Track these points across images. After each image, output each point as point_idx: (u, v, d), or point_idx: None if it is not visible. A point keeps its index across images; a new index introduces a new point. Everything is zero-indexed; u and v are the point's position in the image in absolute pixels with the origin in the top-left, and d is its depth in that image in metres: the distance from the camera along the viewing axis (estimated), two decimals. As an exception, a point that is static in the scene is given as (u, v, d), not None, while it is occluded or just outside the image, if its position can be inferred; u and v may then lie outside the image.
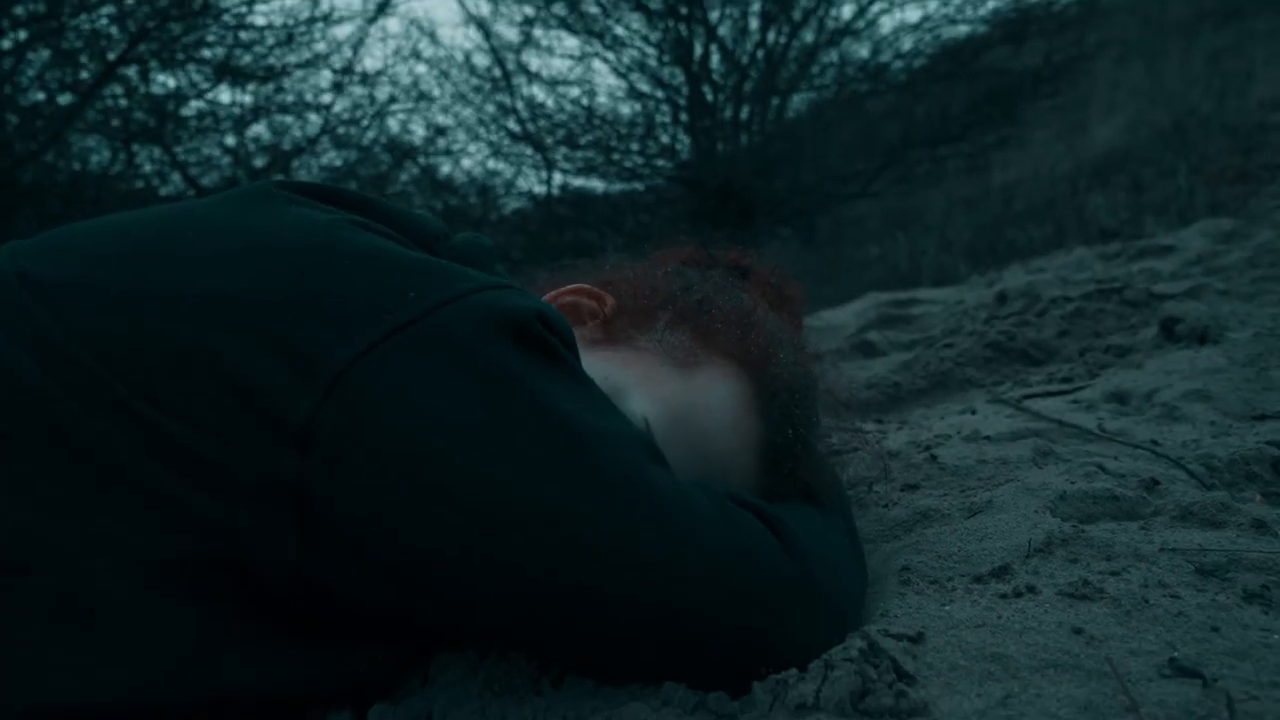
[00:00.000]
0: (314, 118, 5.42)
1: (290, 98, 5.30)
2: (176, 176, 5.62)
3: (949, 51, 7.04)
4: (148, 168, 5.48)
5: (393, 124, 5.55)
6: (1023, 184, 7.24)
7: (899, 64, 7.38)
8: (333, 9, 3.90)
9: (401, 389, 0.52)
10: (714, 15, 7.17)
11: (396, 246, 0.59)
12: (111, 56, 3.18)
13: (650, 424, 0.65)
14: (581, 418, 0.55)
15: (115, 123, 4.55)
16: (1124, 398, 1.09)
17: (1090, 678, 0.51)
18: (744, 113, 7.23)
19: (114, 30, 3.10)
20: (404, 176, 6.22)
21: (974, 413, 1.14)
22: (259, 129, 5.71)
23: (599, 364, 0.67)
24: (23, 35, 3.54)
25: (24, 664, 0.50)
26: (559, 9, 6.71)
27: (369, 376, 0.52)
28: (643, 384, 0.68)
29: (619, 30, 7.13)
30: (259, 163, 5.57)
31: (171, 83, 4.82)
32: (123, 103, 4.48)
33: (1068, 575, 0.62)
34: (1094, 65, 9.87)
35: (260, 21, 4.58)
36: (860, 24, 7.63)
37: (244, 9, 3.37)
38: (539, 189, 6.73)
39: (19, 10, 3.24)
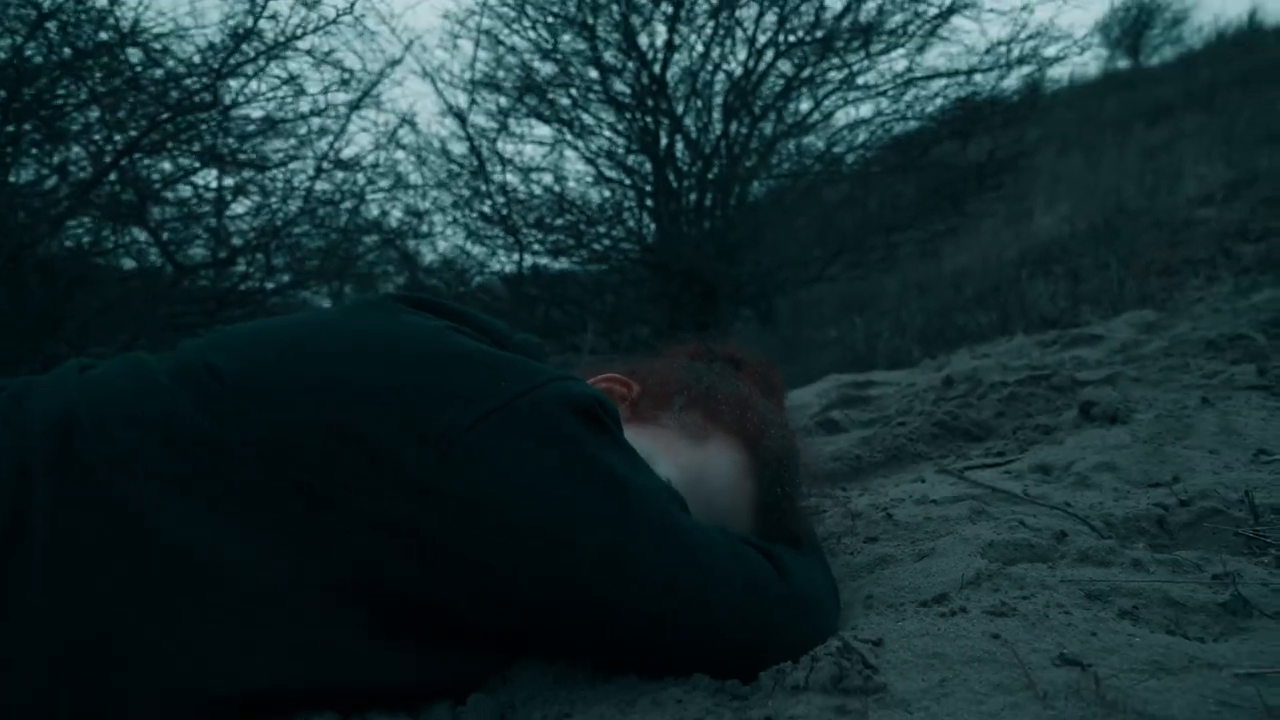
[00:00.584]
0: (293, 201, 5.62)
1: (271, 180, 5.50)
2: (154, 253, 5.78)
3: (899, 144, 7.46)
4: (128, 244, 5.64)
5: (372, 207, 5.75)
6: (971, 271, 7.62)
7: (852, 156, 7.78)
8: (318, 103, 4.10)
9: (496, 456, 0.71)
10: (679, 108, 7.53)
11: (485, 346, 0.79)
12: (115, 147, 3.38)
13: (672, 483, 0.85)
14: (630, 476, 0.74)
15: (100, 203, 4.72)
16: (1047, 469, 1.31)
17: (1003, 668, 0.71)
18: (707, 199, 7.55)
19: (118, 118, 3.31)
20: (374, 254, 6.43)
21: (923, 481, 1.35)
22: (238, 208, 5.90)
23: (631, 437, 0.87)
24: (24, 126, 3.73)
25: (225, 657, 0.68)
26: (531, 100, 7.03)
27: (473, 446, 0.71)
28: (665, 453, 0.88)
29: (588, 119, 7.46)
30: (237, 241, 5.75)
31: (163, 165, 5.01)
32: (113, 186, 4.65)
33: (990, 600, 0.82)
34: (1036, 159, 10.42)
35: (255, 113, 4.79)
36: (816, 116, 8.04)
37: (240, 100, 3.58)
38: (510, 269, 6.96)
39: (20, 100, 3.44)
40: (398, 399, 0.72)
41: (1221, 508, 1.04)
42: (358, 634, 0.71)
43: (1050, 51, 7.15)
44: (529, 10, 6.86)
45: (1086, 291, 4.04)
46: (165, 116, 3.13)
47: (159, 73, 3.30)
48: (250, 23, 3.01)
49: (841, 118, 7.75)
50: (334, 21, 3.03)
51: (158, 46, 3.86)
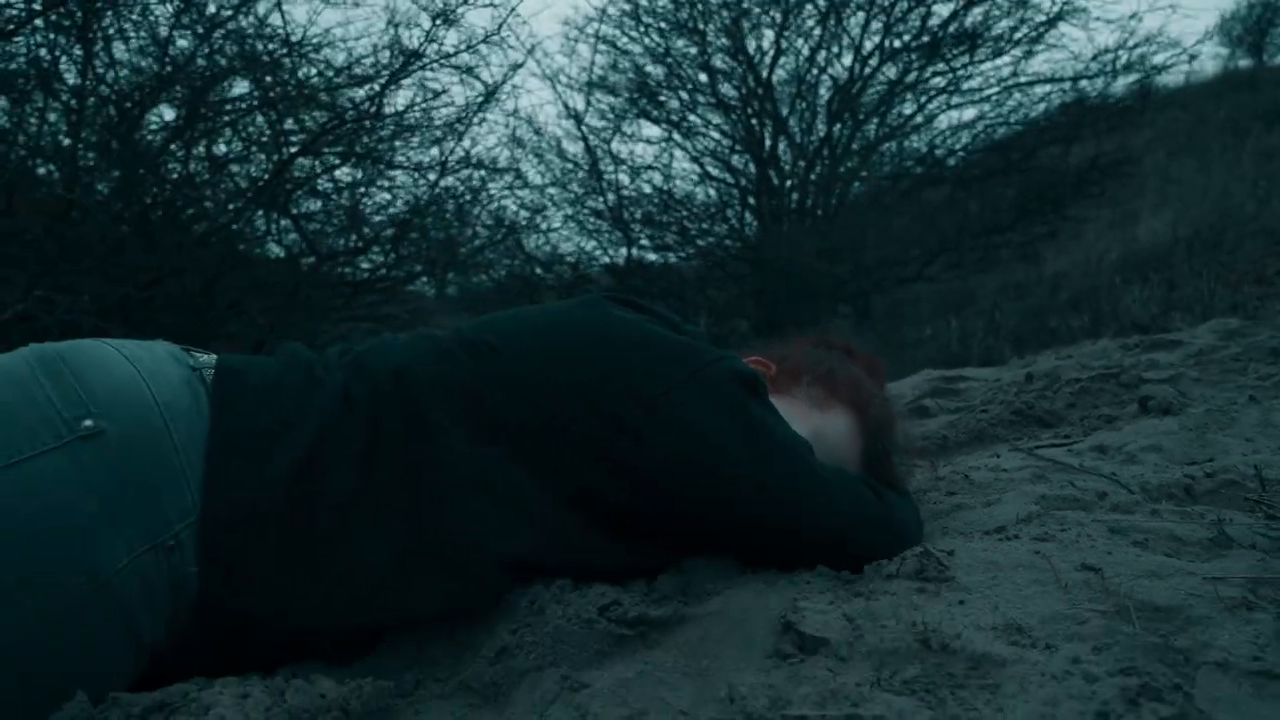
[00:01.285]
0: (421, 196, 6.08)
1: (406, 176, 5.96)
2: (294, 237, 6.32)
3: (1001, 148, 7.57)
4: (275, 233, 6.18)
5: (497, 203, 6.17)
6: (1071, 274, 7.67)
7: (954, 158, 7.90)
8: (460, 111, 4.51)
9: (683, 413, 1.03)
10: (784, 110, 7.78)
11: (671, 333, 1.11)
12: (287, 149, 3.84)
13: (825, 444, 1.16)
14: (776, 428, 1.06)
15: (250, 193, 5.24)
16: (1103, 449, 1.57)
17: (1039, 572, 1.00)
18: (809, 199, 7.79)
19: (293, 124, 3.77)
20: (495, 247, 6.87)
21: (998, 456, 1.63)
22: (372, 202, 6.39)
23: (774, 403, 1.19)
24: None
25: (497, 536, 1.01)
26: (643, 102, 7.37)
27: (667, 406, 1.03)
28: (797, 416, 1.19)
29: (695, 120, 7.77)
30: (370, 233, 6.24)
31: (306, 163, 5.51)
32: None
33: (1036, 531, 1.12)
34: (1144, 162, 10.32)
35: (388, 110, 5.25)
36: (919, 119, 8.19)
37: (395, 110, 4.01)
38: (618, 262, 7.33)
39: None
40: (616, 371, 1.05)
41: (1239, 480, 1.30)
42: (584, 530, 1.04)
43: (1158, 59, 7.17)
44: (643, 16, 7.19)
45: (1179, 298, 4.19)
46: (335, 124, 3.55)
47: (330, 81, 3.73)
48: (416, 43, 3.41)
49: (944, 121, 7.89)
50: (484, 41, 3.41)
51: (320, 59, 4.33)
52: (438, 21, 3.39)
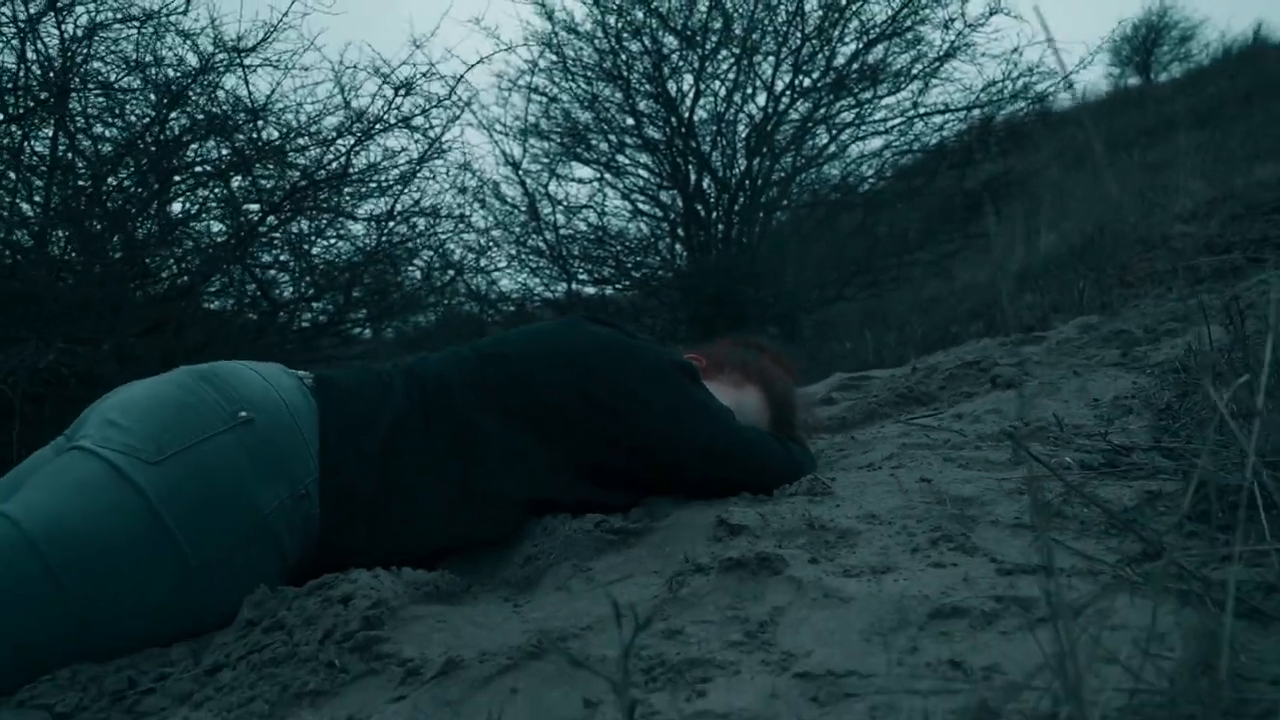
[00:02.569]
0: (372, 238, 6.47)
1: (356, 225, 6.34)
2: (251, 287, 6.64)
3: (905, 175, 8.22)
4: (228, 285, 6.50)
5: (442, 245, 6.57)
6: (976, 286, 8.33)
7: (864, 185, 8.53)
8: (411, 165, 4.94)
9: (646, 395, 1.49)
10: (706, 147, 8.34)
11: (634, 340, 1.56)
12: (260, 209, 4.22)
13: (741, 408, 1.62)
14: (710, 403, 1.52)
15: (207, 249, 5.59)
16: (960, 415, 2.06)
17: (890, 485, 1.47)
18: (734, 229, 8.34)
19: (261, 185, 4.15)
20: (441, 287, 7.28)
21: (883, 427, 2.11)
22: (318, 249, 6.75)
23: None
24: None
25: (517, 483, 1.45)
26: (574, 145, 7.87)
27: (634, 390, 1.48)
28: (721, 394, 1.65)
29: (624, 160, 8.28)
30: (317, 278, 6.60)
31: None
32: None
33: (894, 464, 1.59)
34: (1042, 178, 11.11)
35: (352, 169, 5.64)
36: (833, 149, 8.80)
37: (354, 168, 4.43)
38: (559, 296, 7.78)
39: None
40: (595, 369, 1.50)
41: (1046, 426, 1.79)
42: (578, 480, 1.48)
43: (1041, 87, 7.88)
44: (570, 67, 7.70)
45: (1058, 302, 4.77)
46: (304, 184, 3.96)
47: (296, 144, 4.14)
48: (375, 109, 3.84)
49: (855, 150, 8.51)
50: (436, 106, 3.86)
51: (282, 123, 4.73)
52: (399, 92, 3.83)
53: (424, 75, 3.79)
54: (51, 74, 3.92)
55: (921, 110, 7.98)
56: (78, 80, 4.51)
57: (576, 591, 1.23)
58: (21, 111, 3.62)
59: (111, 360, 4.11)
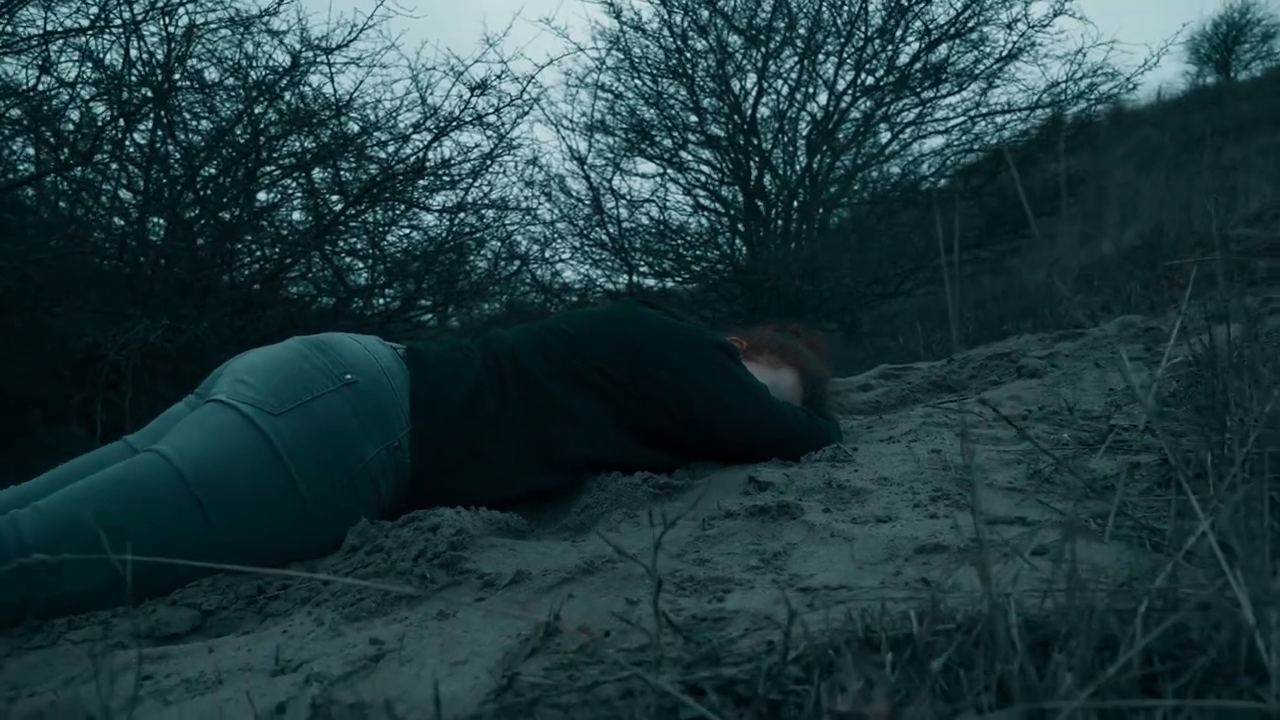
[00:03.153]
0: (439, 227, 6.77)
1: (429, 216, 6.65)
2: (328, 272, 6.99)
3: (965, 174, 8.27)
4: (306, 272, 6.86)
5: (509, 236, 6.85)
6: (1034, 285, 8.36)
7: (925, 184, 8.60)
8: (485, 161, 5.21)
9: (691, 370, 1.70)
10: (768, 144, 8.49)
11: (680, 321, 1.78)
12: (344, 199, 4.52)
13: (776, 387, 1.83)
14: (746, 378, 1.72)
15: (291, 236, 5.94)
16: (984, 400, 2.23)
17: (907, 455, 1.66)
18: (792, 225, 8.48)
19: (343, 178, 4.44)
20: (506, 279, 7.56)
21: (911, 410, 2.29)
22: (392, 238, 7.07)
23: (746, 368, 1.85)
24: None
25: (578, 445, 1.67)
26: (639, 141, 8.08)
27: (678, 365, 1.70)
28: (759, 373, 1.85)
29: (687, 156, 8.47)
30: (389, 265, 6.92)
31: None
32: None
33: (911, 438, 1.78)
34: (1114, 176, 11.02)
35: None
36: (895, 147, 8.89)
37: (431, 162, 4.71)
38: (619, 288, 8.01)
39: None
40: (647, 346, 1.71)
41: (1059, 411, 1.96)
42: (632, 443, 1.70)
43: (1105, 88, 7.88)
44: (636, 64, 7.91)
45: (1110, 301, 4.86)
46: (382, 179, 4.24)
47: (377, 139, 4.43)
48: (456, 106, 4.10)
49: (915, 149, 8.58)
50: (509, 105, 4.11)
51: (361, 119, 5.03)
52: (475, 92, 4.09)
53: (497, 77, 4.04)
54: (157, 73, 4.25)
55: (984, 110, 8.03)
56: (179, 78, 4.86)
57: (625, 532, 1.45)
58: (131, 109, 3.94)
59: (211, 336, 4.45)
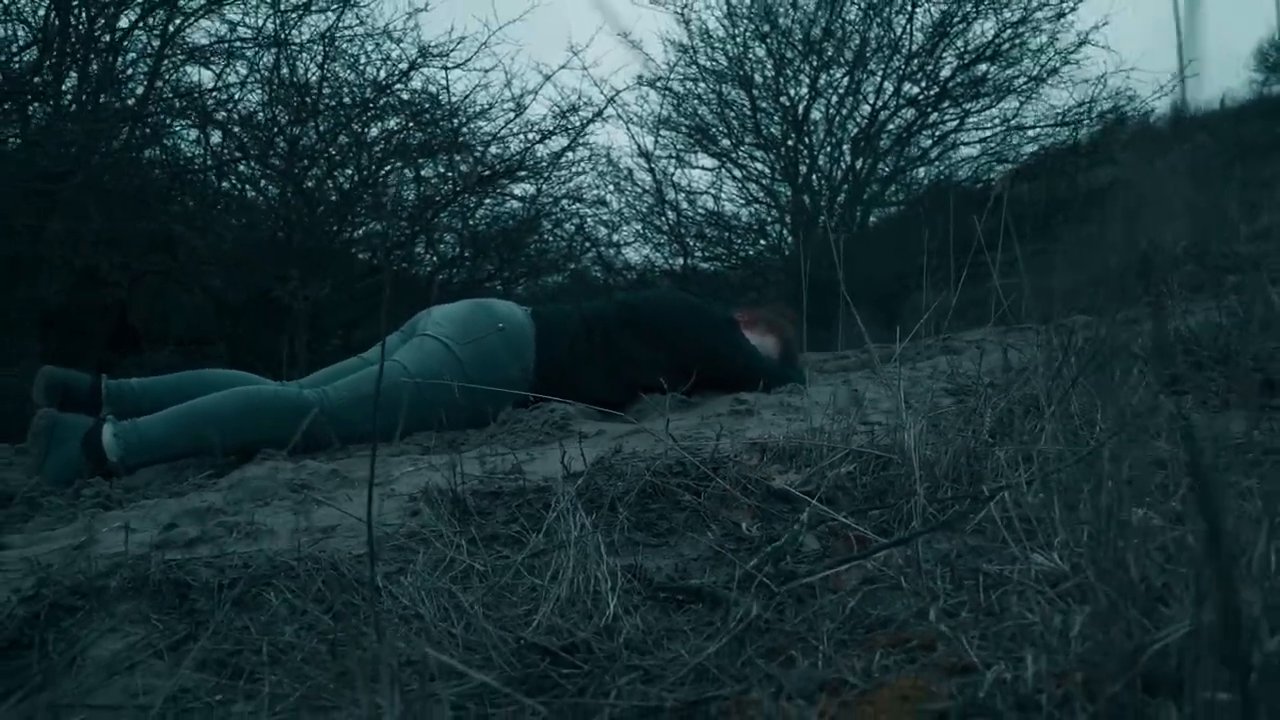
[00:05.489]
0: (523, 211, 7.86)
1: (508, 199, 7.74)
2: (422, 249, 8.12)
3: (1005, 179, 9.08)
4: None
5: (583, 222, 7.92)
6: (1042, 288, 9.16)
7: (959, 188, 9.43)
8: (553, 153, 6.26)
9: (710, 337, 2.74)
10: (817, 145, 9.41)
11: (705, 303, 2.81)
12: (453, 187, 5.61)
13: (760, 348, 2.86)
14: (747, 343, 2.77)
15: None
16: (915, 368, 3.21)
17: (838, 393, 2.67)
18: (835, 220, 9.40)
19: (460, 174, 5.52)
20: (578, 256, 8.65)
21: (862, 371, 3.29)
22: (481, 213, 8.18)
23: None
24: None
25: (637, 374, 2.71)
26: (700, 139, 9.07)
27: (702, 333, 2.74)
28: (753, 339, 2.88)
29: (742, 154, 9.44)
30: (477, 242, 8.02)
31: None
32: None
33: (846, 384, 2.79)
34: (1152, 183, 11.64)
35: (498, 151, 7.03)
36: (934, 153, 9.76)
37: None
38: (675, 269, 9.04)
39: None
40: (684, 319, 2.75)
41: (954, 375, 2.94)
42: (670, 376, 2.74)
43: (1128, 108, 8.66)
44: (702, 71, 8.89)
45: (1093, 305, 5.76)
46: (489, 173, 5.32)
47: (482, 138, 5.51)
48: (555, 119, 5.16)
49: (952, 156, 9.43)
50: (600, 115, 5.16)
51: (467, 116, 6.11)
52: (566, 114, 5.14)
53: (585, 103, 5.07)
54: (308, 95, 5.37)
55: (1014, 124, 8.86)
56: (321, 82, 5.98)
57: (658, 420, 2.49)
58: (303, 116, 5.06)
59: (334, 297, 5.59)
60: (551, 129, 5.35)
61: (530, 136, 5.44)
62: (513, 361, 2.55)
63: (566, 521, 1.50)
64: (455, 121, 5.70)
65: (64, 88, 5.42)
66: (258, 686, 1.18)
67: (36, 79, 5.23)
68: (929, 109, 9.11)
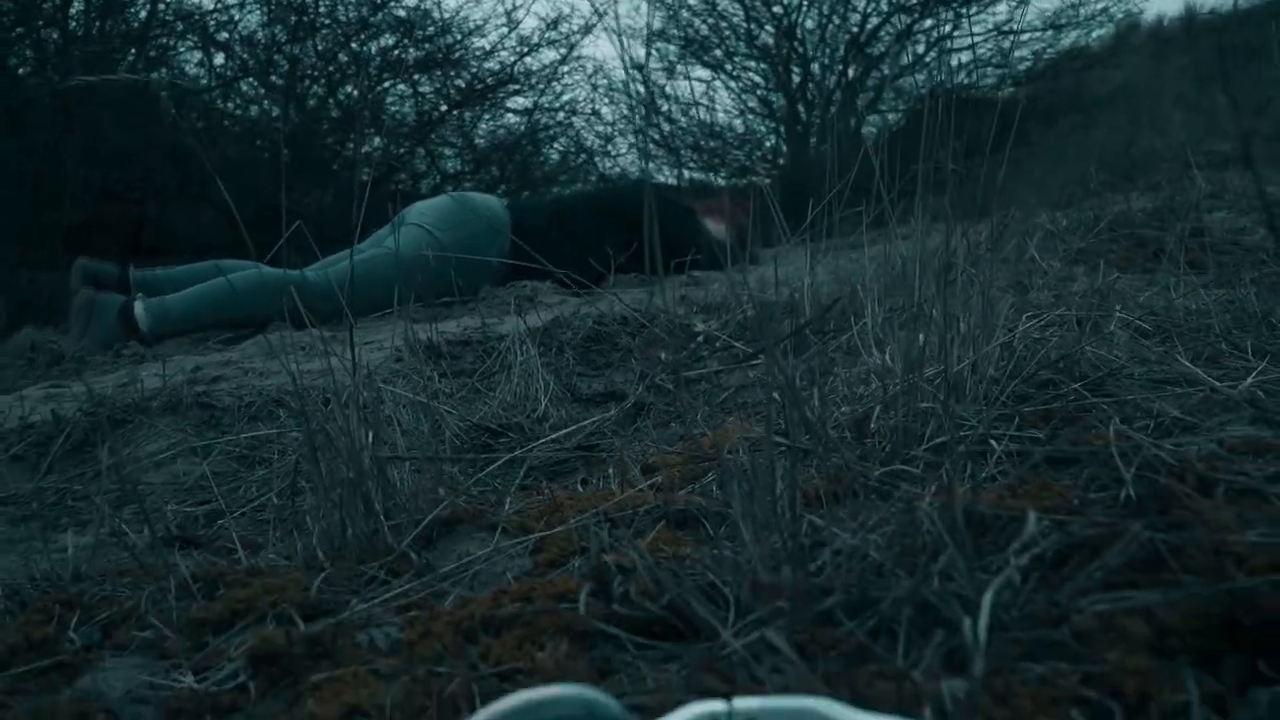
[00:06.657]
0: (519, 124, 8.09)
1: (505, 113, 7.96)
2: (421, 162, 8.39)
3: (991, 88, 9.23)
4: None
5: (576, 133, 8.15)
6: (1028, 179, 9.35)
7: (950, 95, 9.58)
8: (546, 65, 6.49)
9: (673, 219, 3.05)
10: (809, 54, 9.54)
11: (669, 195, 3.12)
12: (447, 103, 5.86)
13: (714, 233, 3.17)
14: (703, 229, 3.08)
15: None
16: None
17: (800, 264, 2.99)
18: (828, 128, 9.57)
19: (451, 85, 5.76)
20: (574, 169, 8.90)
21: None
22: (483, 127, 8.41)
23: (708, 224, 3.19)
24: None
25: (565, 266, 3.04)
26: (694, 50, 9.22)
27: (665, 218, 3.05)
28: (711, 224, 3.19)
29: (735, 65, 9.58)
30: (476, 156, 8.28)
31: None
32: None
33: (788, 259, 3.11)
34: (1153, 89, 11.71)
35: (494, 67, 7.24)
36: (928, 58, 9.87)
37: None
38: (670, 180, 9.28)
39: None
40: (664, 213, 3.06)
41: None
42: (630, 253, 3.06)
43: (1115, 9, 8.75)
44: (695, -16, 8.96)
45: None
46: (480, 86, 5.57)
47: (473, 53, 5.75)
48: (542, 32, 5.39)
49: (948, 61, 9.53)
50: (588, 30, 5.38)
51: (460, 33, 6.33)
52: (551, 26, 5.34)
53: (574, 13, 5.27)
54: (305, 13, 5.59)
55: (1005, 29, 8.96)
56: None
57: (626, 292, 2.82)
58: (300, 35, 5.30)
59: (334, 209, 5.90)
60: (538, 42, 5.57)
61: (520, 49, 5.66)
62: (490, 245, 2.87)
63: (518, 353, 1.85)
64: (449, 38, 5.92)
65: (70, 13, 5.67)
66: (271, 471, 1.54)
67: (46, 4, 5.48)
68: (919, 13, 9.20)
